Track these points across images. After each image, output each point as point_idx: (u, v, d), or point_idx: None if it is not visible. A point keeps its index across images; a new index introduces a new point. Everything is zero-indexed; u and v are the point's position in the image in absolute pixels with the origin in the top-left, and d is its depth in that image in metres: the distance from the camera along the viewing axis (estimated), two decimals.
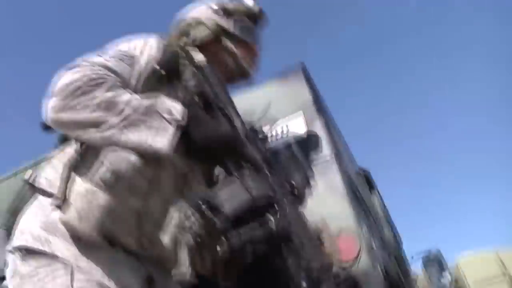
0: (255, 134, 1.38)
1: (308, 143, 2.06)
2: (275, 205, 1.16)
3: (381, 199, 3.79)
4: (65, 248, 1.07)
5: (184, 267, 1.18)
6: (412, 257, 4.65)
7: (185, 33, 1.54)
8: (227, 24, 1.57)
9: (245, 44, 1.55)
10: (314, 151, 2.02)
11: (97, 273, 1.06)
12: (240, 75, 1.55)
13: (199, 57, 1.41)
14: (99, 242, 1.08)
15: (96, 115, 1.09)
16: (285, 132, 2.16)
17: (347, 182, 1.97)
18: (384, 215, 3.50)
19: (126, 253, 1.13)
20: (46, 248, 1.07)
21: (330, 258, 1.25)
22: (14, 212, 1.32)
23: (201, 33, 1.53)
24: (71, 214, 1.06)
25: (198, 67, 1.36)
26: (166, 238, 1.19)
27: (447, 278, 4.87)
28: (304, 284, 1.15)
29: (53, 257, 1.06)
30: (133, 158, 1.09)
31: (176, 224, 1.17)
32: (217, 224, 1.13)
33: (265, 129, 2.02)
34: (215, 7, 1.59)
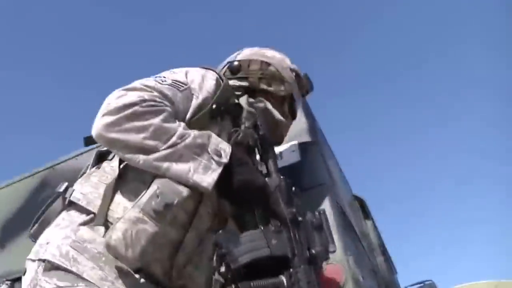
0: (289, 188, 1.33)
1: (301, 171, 2.08)
2: (291, 269, 1.16)
3: (376, 227, 3.79)
4: (91, 270, 1.07)
5: None
6: None
7: (256, 75, 1.55)
8: (296, 92, 1.64)
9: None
10: (307, 179, 2.04)
11: None
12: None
13: (258, 100, 1.48)
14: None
15: (149, 142, 1.12)
16: (278, 159, 2.18)
17: (337, 213, 1.98)
18: (378, 243, 3.49)
19: (150, 282, 1.12)
20: (73, 268, 1.07)
21: None
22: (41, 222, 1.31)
23: (276, 89, 1.56)
24: (117, 239, 1.04)
25: (252, 113, 1.40)
26: (201, 276, 1.19)
27: None
28: None
29: (78, 277, 1.06)
30: (185, 192, 1.12)
31: (213, 265, 1.15)
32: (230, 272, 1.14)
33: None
34: (293, 68, 1.64)
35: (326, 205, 1.90)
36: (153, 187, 1.11)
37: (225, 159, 1.18)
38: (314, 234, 1.27)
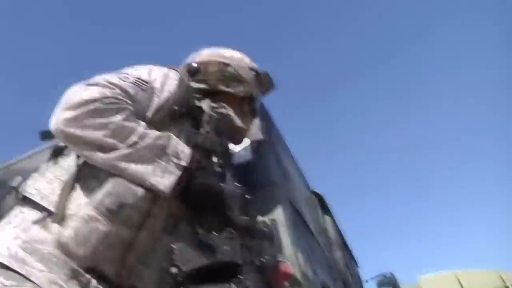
0: (243, 196, 1.36)
1: (253, 169, 2.11)
2: (240, 276, 1.19)
3: (335, 222, 3.86)
4: (40, 273, 1.05)
5: None
6: (367, 281, 4.72)
7: (215, 77, 1.54)
8: (256, 92, 1.61)
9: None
10: (259, 177, 2.07)
11: None
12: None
13: (219, 105, 1.46)
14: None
15: (108, 140, 1.10)
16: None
17: (287, 210, 2.02)
18: (337, 238, 3.56)
19: (101, 281, 1.12)
20: (22, 271, 1.05)
21: None
22: None
23: (236, 89, 1.54)
24: (69, 236, 1.05)
25: (213, 117, 1.38)
26: (151, 276, 1.20)
27: None
28: None
29: (25, 279, 1.04)
30: (140, 192, 1.12)
31: (163, 266, 1.18)
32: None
33: None
34: (252, 67, 1.62)
35: (277, 204, 1.94)
36: (108, 186, 1.11)
37: (184, 162, 1.19)
38: (265, 242, 1.32)
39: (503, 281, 10.41)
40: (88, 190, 1.15)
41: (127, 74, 1.27)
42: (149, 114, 1.26)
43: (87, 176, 1.18)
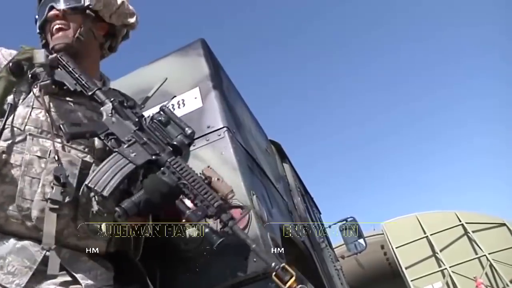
0: (121, 106, 1.41)
1: (203, 115, 2.06)
2: (162, 168, 1.29)
3: (294, 169, 3.89)
4: None
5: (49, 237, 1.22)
6: (330, 226, 4.84)
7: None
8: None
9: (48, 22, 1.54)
10: (209, 122, 2.03)
11: None
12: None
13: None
14: None
15: None
16: (181, 106, 2.14)
17: (240, 155, 1.99)
18: (296, 185, 3.59)
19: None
20: None
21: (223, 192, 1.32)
22: None
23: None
24: None
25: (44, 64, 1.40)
26: (34, 211, 1.23)
27: (362, 245, 5.18)
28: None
29: None
30: None
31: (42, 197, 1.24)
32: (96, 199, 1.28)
33: (163, 103, 2.00)
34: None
35: (228, 147, 1.90)
36: None
37: None
38: (167, 129, 1.39)
39: (459, 219, 11.04)
40: None
41: None
42: None
43: None
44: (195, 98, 2.14)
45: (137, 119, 1.38)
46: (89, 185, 1.21)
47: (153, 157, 1.30)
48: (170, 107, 2.14)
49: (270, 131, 3.55)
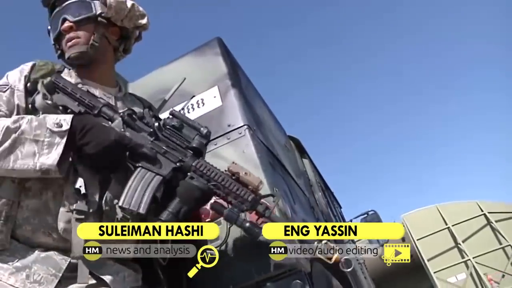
0: (131, 119, 1.38)
1: (223, 114, 2.07)
2: (189, 172, 1.32)
3: (314, 165, 3.88)
4: None
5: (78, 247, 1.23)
6: (351, 220, 4.83)
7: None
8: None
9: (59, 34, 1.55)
10: (229, 121, 2.03)
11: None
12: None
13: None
14: None
15: None
16: (200, 105, 2.16)
17: (262, 152, 2.00)
18: (317, 180, 3.59)
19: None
20: None
21: (253, 185, 1.34)
22: None
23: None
24: None
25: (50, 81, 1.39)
26: (61, 223, 1.25)
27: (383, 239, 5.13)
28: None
29: None
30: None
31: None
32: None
33: (182, 104, 2.01)
34: None
35: (249, 144, 1.91)
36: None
37: (67, 126, 1.23)
38: (182, 132, 1.39)
39: (481, 209, 10.86)
40: None
41: None
42: (22, 104, 1.37)
43: None
44: (214, 97, 2.15)
45: (151, 130, 1.38)
46: (124, 206, 1.23)
47: (177, 164, 1.33)
48: (190, 106, 2.16)
49: (287, 126, 3.54)
